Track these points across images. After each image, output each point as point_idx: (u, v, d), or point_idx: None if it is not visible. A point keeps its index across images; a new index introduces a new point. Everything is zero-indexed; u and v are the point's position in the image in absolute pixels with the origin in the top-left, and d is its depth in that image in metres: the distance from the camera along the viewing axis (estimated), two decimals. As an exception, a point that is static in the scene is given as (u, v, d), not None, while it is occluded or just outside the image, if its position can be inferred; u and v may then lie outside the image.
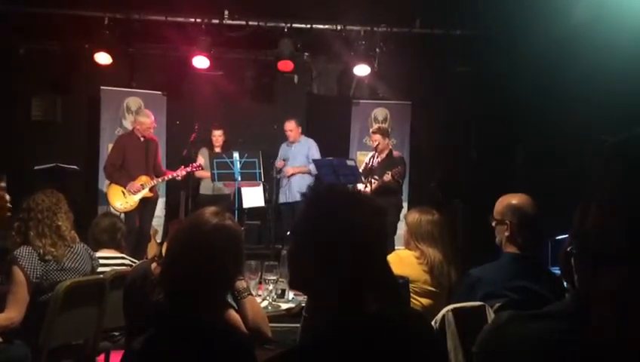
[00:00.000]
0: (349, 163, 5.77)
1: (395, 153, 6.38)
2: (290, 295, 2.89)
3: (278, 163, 6.73)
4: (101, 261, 3.18)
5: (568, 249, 0.89)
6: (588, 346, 0.86)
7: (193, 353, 1.69)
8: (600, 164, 0.82)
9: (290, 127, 6.71)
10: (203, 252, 1.86)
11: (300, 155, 6.75)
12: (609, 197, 0.81)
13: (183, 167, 6.16)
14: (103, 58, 6.49)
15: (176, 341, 1.74)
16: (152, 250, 6.02)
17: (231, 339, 1.76)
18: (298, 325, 2.49)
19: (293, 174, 6.57)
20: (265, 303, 2.76)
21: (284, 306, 2.80)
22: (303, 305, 2.62)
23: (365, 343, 1.20)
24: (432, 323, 2.24)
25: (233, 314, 1.93)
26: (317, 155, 6.66)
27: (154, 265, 1.99)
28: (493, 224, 2.57)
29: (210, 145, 6.77)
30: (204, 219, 1.93)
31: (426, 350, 1.29)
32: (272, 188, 6.82)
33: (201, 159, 6.54)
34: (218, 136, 6.70)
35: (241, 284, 2.05)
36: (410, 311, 1.71)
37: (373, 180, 5.94)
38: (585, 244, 0.84)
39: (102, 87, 7.09)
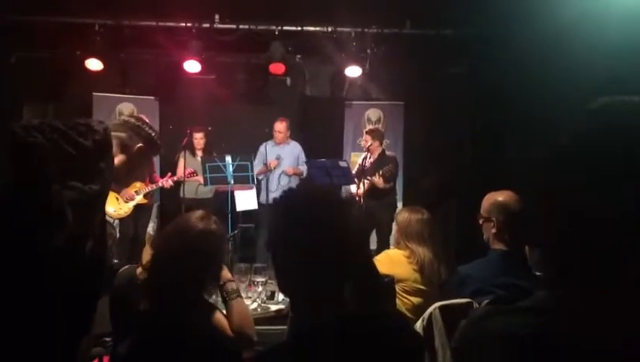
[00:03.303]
0: (342, 164, 5.77)
1: (388, 153, 6.42)
2: (280, 296, 2.89)
3: (272, 162, 6.66)
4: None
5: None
6: (559, 341, 0.87)
7: (177, 356, 1.69)
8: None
9: (282, 128, 6.72)
10: (189, 256, 1.87)
11: (291, 157, 6.78)
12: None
13: (170, 174, 6.15)
14: (94, 64, 6.48)
15: (161, 345, 1.74)
16: (146, 255, 5.98)
17: (214, 342, 1.76)
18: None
19: (293, 174, 6.61)
20: (254, 305, 2.76)
21: (273, 308, 2.80)
22: (293, 306, 2.62)
23: (341, 343, 1.20)
24: (420, 320, 2.25)
25: (219, 317, 1.94)
26: (303, 157, 6.77)
27: (139, 269, 1.99)
28: (481, 222, 2.58)
29: (192, 148, 6.67)
30: (190, 224, 1.95)
31: (401, 350, 1.29)
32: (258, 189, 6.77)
33: (181, 163, 6.45)
34: (199, 138, 6.66)
35: (231, 286, 2.06)
36: (390, 311, 1.72)
37: (366, 181, 5.95)
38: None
39: (94, 94, 7.09)
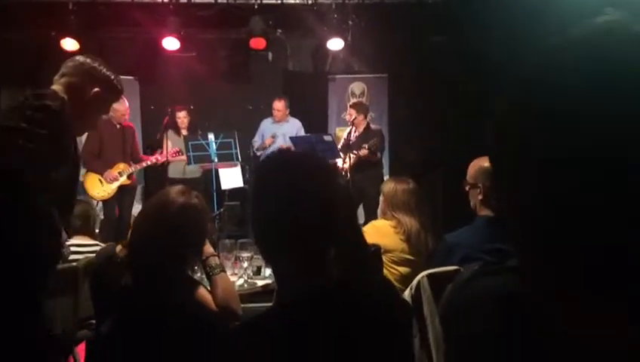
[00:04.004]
0: (327, 138, 5.72)
1: (373, 126, 6.37)
2: (267, 271, 2.86)
3: (267, 140, 6.66)
4: (74, 248, 3.12)
5: None
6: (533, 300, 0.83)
7: (160, 333, 1.65)
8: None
9: (280, 107, 6.71)
10: (170, 231, 1.82)
11: (289, 135, 6.70)
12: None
13: (157, 154, 6.08)
14: (70, 44, 6.31)
15: (143, 322, 1.70)
16: (133, 237, 5.94)
17: (198, 319, 1.73)
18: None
19: None
20: (241, 281, 2.73)
21: (260, 283, 2.77)
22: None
23: (328, 312, 1.17)
24: (408, 289, 2.23)
25: (203, 293, 1.90)
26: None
27: (119, 247, 1.94)
28: (467, 188, 2.55)
29: (176, 128, 6.58)
30: (170, 198, 1.89)
31: (389, 318, 1.26)
32: (252, 166, 6.74)
33: (169, 143, 6.41)
34: (183, 117, 6.57)
35: (214, 261, 2.01)
36: (377, 279, 1.69)
37: (351, 155, 5.91)
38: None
39: (72, 75, 6.93)
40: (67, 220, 1.85)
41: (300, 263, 1.23)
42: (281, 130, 6.72)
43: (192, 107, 6.77)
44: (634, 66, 0.44)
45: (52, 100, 1.78)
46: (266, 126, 6.86)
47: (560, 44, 0.51)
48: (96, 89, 1.95)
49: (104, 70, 2.01)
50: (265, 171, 1.33)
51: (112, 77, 2.03)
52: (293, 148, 6.42)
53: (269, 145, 6.63)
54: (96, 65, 2.00)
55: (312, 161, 1.30)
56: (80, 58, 2.03)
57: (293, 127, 6.78)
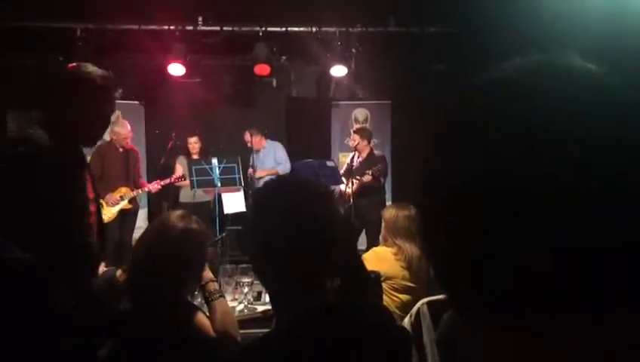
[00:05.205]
0: (329, 164, 5.75)
1: (377, 152, 6.40)
2: (267, 297, 2.84)
3: (249, 171, 6.73)
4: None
5: None
6: None
7: (158, 358, 1.65)
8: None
9: (247, 138, 6.73)
10: (169, 256, 1.83)
11: (267, 160, 6.80)
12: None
13: (159, 180, 6.11)
14: (77, 70, 6.39)
15: (142, 347, 1.70)
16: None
17: (196, 344, 1.72)
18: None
19: (262, 177, 6.53)
20: (241, 306, 2.72)
21: (260, 309, 2.76)
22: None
23: (325, 336, 1.17)
24: (407, 317, 2.22)
25: (201, 318, 1.89)
26: (283, 156, 6.75)
27: (119, 272, 1.95)
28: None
29: (187, 153, 6.70)
30: (169, 223, 1.90)
31: (388, 342, 1.25)
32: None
33: (179, 168, 6.47)
34: (194, 143, 6.66)
35: (213, 286, 2.01)
36: (374, 304, 1.68)
37: (354, 180, 5.92)
38: None
39: (78, 99, 7.00)
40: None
41: (296, 286, 1.23)
42: (258, 159, 6.76)
43: (189, 132, 6.83)
44: (561, 105, 0.44)
45: (26, 165, 1.77)
46: (252, 157, 6.90)
47: (488, 85, 0.50)
48: (87, 102, 1.92)
49: (85, 75, 1.92)
50: (262, 196, 1.35)
51: (97, 80, 1.96)
52: (274, 171, 6.48)
53: (251, 175, 6.66)
54: (75, 72, 1.94)
55: (309, 187, 1.31)
56: (59, 77, 1.96)
57: (270, 151, 6.84)
